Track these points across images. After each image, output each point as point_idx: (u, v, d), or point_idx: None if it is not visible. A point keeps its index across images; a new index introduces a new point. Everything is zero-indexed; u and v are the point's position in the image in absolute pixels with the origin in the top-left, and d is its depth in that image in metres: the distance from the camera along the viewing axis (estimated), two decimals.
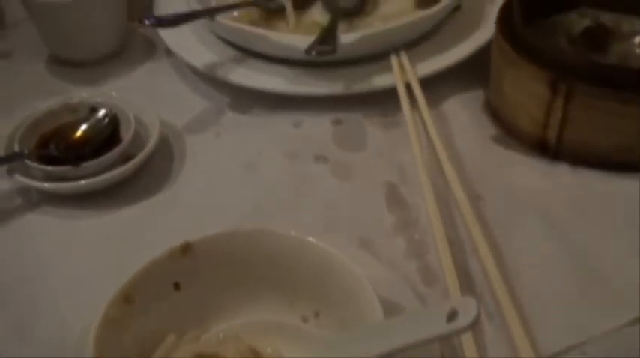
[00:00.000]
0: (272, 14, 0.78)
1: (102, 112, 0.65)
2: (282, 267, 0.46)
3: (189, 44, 0.75)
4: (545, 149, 0.63)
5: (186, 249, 0.45)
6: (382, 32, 0.69)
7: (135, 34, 0.82)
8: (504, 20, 0.66)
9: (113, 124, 0.65)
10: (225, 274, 0.46)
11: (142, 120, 0.66)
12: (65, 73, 0.78)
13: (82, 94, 0.68)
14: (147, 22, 0.68)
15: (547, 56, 0.60)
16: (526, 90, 0.62)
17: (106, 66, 0.78)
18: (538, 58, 0.61)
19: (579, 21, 0.71)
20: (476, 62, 0.72)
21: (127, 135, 0.63)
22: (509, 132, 0.66)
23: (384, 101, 0.69)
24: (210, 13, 0.71)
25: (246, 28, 0.70)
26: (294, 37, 0.70)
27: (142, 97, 0.70)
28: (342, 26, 0.73)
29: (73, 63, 0.78)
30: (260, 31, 0.70)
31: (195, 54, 0.73)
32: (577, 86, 0.58)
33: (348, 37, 0.67)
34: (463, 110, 0.70)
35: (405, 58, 0.70)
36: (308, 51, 0.63)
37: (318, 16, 0.77)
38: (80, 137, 0.64)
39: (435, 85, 0.70)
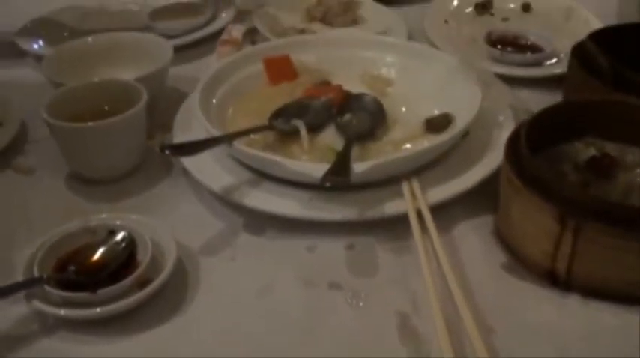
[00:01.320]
0: (287, 136, 0.80)
1: (119, 236, 0.66)
2: None
3: (206, 165, 0.77)
4: (556, 280, 0.64)
5: None
6: (393, 161, 0.71)
7: (153, 151, 0.84)
8: (512, 151, 0.69)
9: (130, 248, 0.66)
10: None
11: (158, 243, 0.67)
12: (85, 190, 0.80)
13: (100, 216, 0.69)
14: (166, 152, 0.70)
15: (555, 191, 0.62)
16: (535, 222, 0.64)
17: (125, 183, 0.80)
18: (546, 193, 0.63)
19: (585, 150, 0.73)
20: (485, 186, 0.74)
21: (143, 258, 0.65)
22: (519, 260, 0.67)
23: (396, 225, 0.71)
24: (227, 139, 0.73)
25: (263, 154, 0.73)
26: (309, 164, 0.72)
27: (158, 216, 0.72)
28: (354, 150, 0.75)
29: (93, 180, 0.81)
30: (276, 157, 0.72)
31: (211, 175, 0.75)
32: (585, 222, 0.60)
33: (360, 166, 0.69)
34: (473, 236, 0.71)
35: (415, 184, 0.72)
36: (322, 181, 0.65)
37: (331, 139, 0.80)
38: (98, 260, 0.65)
39: (446, 210, 0.72)
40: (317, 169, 0.68)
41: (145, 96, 0.79)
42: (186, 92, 0.96)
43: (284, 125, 0.81)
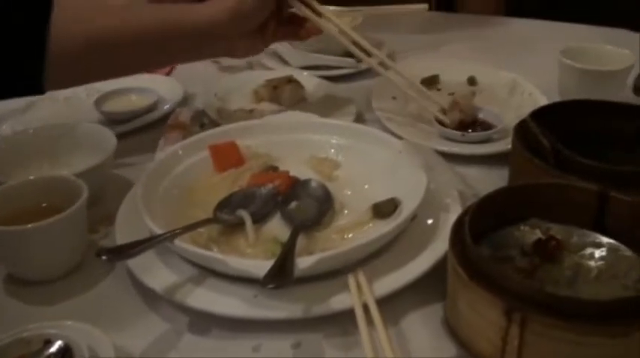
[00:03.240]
0: (233, 228, 0.79)
1: (55, 347, 0.63)
2: None
3: (149, 262, 0.74)
4: None
5: None
6: (338, 255, 0.70)
7: (96, 246, 0.82)
8: (456, 239, 0.68)
9: None
10: None
11: (96, 351, 0.64)
12: (22, 292, 0.77)
13: (35, 325, 0.66)
14: (102, 258, 0.68)
15: (500, 284, 0.62)
16: (482, 314, 0.63)
17: (65, 283, 0.77)
18: (491, 285, 0.62)
19: (531, 233, 0.73)
20: (435, 271, 0.73)
21: None
22: (469, 352, 0.66)
23: (344, 319, 0.69)
24: (169, 237, 0.71)
25: (204, 252, 0.71)
26: (251, 262, 0.70)
27: (100, 318, 0.69)
28: (300, 239, 0.74)
29: (32, 282, 0.78)
30: (217, 255, 0.71)
31: (154, 273, 0.73)
32: (531, 315, 0.59)
33: (304, 262, 0.68)
34: (423, 327, 0.70)
35: (362, 277, 0.70)
36: (264, 283, 0.64)
37: (277, 229, 0.79)
38: None
39: (394, 299, 0.71)
40: (260, 267, 0.67)
41: (85, 193, 0.77)
42: (132, 180, 0.95)
43: (229, 216, 0.80)
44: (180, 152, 0.88)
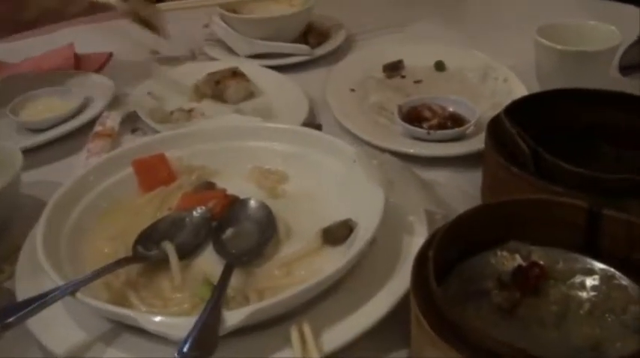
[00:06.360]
0: (156, 266, 0.66)
1: None
2: None
3: (53, 316, 0.61)
4: None
5: None
6: (276, 304, 0.57)
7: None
8: (420, 281, 0.55)
9: None
10: None
11: None
12: None
13: None
14: None
15: (474, 343, 0.49)
16: None
17: None
18: (464, 345, 0.50)
19: (509, 259, 0.61)
20: (396, 311, 0.61)
21: None
22: None
23: None
24: (70, 288, 0.58)
25: (112, 308, 0.58)
26: (169, 320, 0.56)
27: None
28: (236, 276, 0.62)
29: None
30: (128, 312, 0.57)
31: (57, 331, 0.60)
32: None
33: (234, 316, 0.55)
34: None
35: (307, 328, 0.58)
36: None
37: (209, 265, 0.67)
38: None
39: (346, 353, 0.59)
40: (178, 327, 0.54)
41: None
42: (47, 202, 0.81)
43: (152, 252, 0.67)
44: (92, 178, 0.74)
